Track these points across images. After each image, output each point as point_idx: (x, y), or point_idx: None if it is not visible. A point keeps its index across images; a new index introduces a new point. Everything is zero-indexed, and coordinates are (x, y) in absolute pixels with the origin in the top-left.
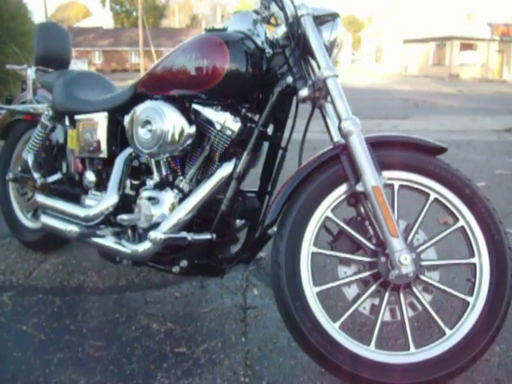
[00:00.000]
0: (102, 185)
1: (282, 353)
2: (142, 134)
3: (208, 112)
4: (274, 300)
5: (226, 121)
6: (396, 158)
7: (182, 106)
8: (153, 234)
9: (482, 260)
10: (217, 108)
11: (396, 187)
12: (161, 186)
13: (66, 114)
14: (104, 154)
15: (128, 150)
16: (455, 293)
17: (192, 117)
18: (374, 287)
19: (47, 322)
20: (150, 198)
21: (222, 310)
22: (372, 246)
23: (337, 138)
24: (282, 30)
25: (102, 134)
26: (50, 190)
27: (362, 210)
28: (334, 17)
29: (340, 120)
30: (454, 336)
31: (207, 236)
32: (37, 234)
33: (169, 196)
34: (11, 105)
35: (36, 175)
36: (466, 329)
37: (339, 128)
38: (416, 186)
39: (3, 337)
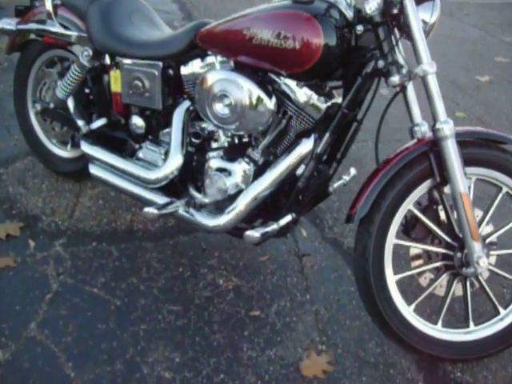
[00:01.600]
0: (154, 136)
1: (347, 313)
2: (219, 109)
3: (290, 88)
4: (323, 244)
5: (310, 100)
6: (477, 155)
7: (260, 77)
8: (239, 207)
9: None
10: (299, 84)
11: (473, 181)
12: (230, 154)
13: (108, 53)
14: (158, 106)
15: (186, 103)
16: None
17: (270, 89)
18: (444, 276)
19: (115, 282)
20: (220, 169)
21: (278, 258)
22: (449, 240)
23: (420, 132)
24: (376, 4)
25: (155, 85)
26: (96, 138)
27: (439, 204)
28: None
29: (435, 121)
30: (508, 316)
31: (288, 217)
32: (73, 165)
33: (242, 167)
34: (23, 21)
35: (80, 122)
36: None
37: (435, 129)
38: (491, 180)
39: (79, 304)
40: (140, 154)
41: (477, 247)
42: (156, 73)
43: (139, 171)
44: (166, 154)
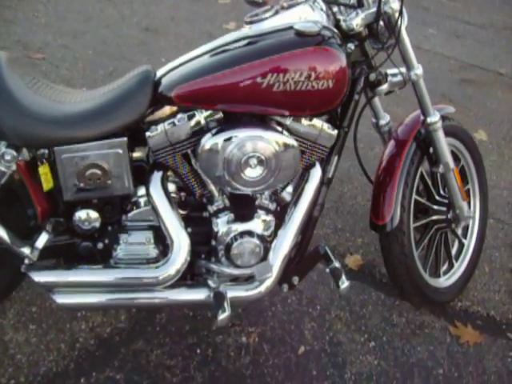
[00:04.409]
0: (116, 226)
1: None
2: (250, 173)
3: (300, 124)
4: None
5: (322, 131)
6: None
7: (268, 122)
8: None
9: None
10: (307, 117)
11: None
12: (241, 212)
13: (31, 146)
14: (127, 190)
15: (157, 175)
16: None
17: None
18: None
19: None
20: (241, 233)
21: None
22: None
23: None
24: (361, 20)
25: (121, 167)
26: (45, 259)
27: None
28: None
29: (427, 116)
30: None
31: (318, 251)
32: None
33: (262, 222)
34: None
35: (25, 250)
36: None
37: (426, 123)
38: (455, 150)
39: None
40: (118, 255)
41: (466, 205)
42: (120, 151)
43: (139, 274)
44: (158, 240)
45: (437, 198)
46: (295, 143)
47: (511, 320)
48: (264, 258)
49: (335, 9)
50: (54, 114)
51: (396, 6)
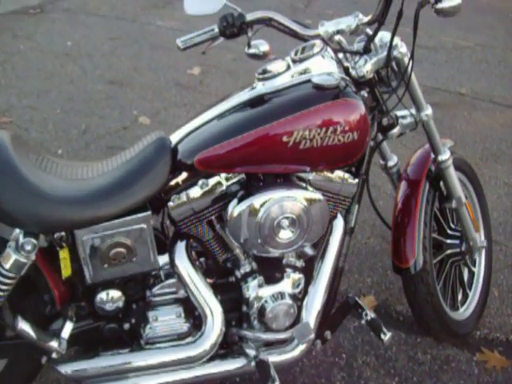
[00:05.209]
0: (141, 303)
1: None
2: (284, 235)
3: (325, 178)
4: None
5: (344, 182)
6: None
7: (298, 180)
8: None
9: None
10: (329, 170)
11: None
12: (270, 273)
13: (50, 232)
14: (153, 265)
15: (181, 244)
16: None
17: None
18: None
19: None
20: (273, 296)
21: None
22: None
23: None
24: (371, 66)
25: (146, 242)
26: (72, 347)
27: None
28: None
29: (437, 155)
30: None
31: (348, 303)
32: None
33: (291, 282)
34: None
35: (53, 343)
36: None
37: (437, 161)
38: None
39: None
40: (148, 334)
41: (478, 237)
42: (145, 226)
43: (173, 355)
44: (188, 313)
45: (449, 231)
46: (322, 197)
47: None
48: (298, 317)
49: (340, 55)
50: (72, 195)
51: (404, 49)
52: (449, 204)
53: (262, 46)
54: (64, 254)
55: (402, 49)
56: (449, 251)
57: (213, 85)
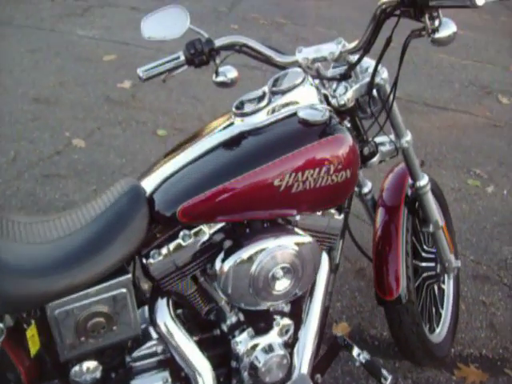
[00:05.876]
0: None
1: None
2: (279, 286)
3: (312, 218)
4: None
5: (331, 219)
6: None
7: (285, 223)
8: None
9: None
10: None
11: None
12: (260, 324)
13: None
14: (134, 331)
15: (162, 303)
16: None
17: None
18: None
19: None
20: (265, 349)
21: None
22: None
23: None
24: (352, 93)
25: (127, 308)
26: None
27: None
28: None
29: (416, 181)
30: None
31: (338, 343)
32: None
33: (281, 329)
34: None
35: None
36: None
37: (416, 187)
38: None
39: None
40: None
41: (453, 257)
42: (125, 290)
43: None
44: (174, 375)
45: (423, 254)
46: (312, 239)
47: (503, 355)
48: (290, 366)
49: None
50: (41, 264)
51: (386, 75)
52: (426, 228)
53: (229, 72)
54: (32, 332)
55: (383, 75)
56: (425, 274)
57: (146, 99)
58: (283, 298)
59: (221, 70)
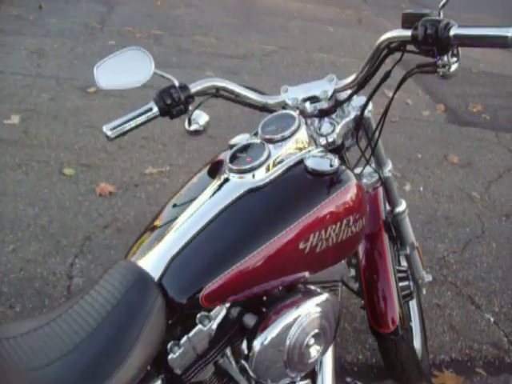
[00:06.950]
0: None
1: None
2: (313, 354)
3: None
4: None
5: (335, 267)
6: None
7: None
8: None
9: None
10: None
11: None
12: None
13: None
14: None
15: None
16: None
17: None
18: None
19: None
20: None
21: None
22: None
23: None
24: (339, 130)
25: None
26: None
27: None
28: None
29: (395, 206)
30: None
31: None
32: None
33: None
34: None
35: None
36: None
37: (395, 213)
38: None
39: None
40: None
41: (425, 273)
42: None
43: None
44: None
45: (398, 274)
46: (327, 294)
47: (470, 355)
48: None
49: None
50: None
51: (371, 107)
52: (403, 251)
53: (201, 118)
54: None
55: (370, 107)
56: (402, 293)
57: (41, 134)
58: (315, 363)
59: (193, 117)
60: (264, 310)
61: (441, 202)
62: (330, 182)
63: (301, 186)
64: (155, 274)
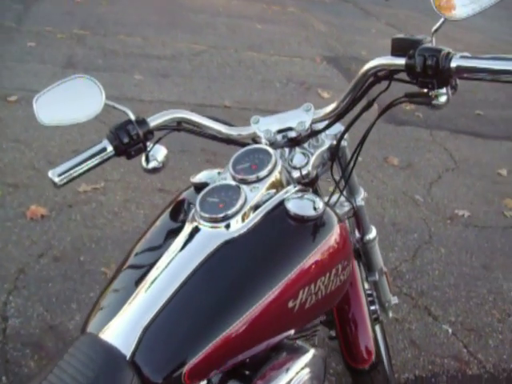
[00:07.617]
0: None
1: None
2: None
3: None
4: None
5: None
6: None
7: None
8: None
9: None
10: None
11: None
12: None
13: None
14: None
15: None
16: None
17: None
18: None
19: None
20: None
21: None
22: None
23: None
24: (314, 161)
25: None
26: None
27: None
28: None
29: (365, 234)
30: None
31: None
32: None
33: None
34: None
35: None
36: None
37: (366, 240)
38: None
39: None
40: None
41: (391, 296)
42: None
43: None
44: None
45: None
46: (313, 349)
47: (433, 370)
48: None
49: None
50: None
51: (346, 135)
52: (372, 278)
53: (159, 153)
54: None
55: (345, 135)
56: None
57: None
58: None
59: (150, 153)
60: (247, 373)
61: (386, 207)
62: (314, 228)
63: (284, 235)
64: (126, 351)
